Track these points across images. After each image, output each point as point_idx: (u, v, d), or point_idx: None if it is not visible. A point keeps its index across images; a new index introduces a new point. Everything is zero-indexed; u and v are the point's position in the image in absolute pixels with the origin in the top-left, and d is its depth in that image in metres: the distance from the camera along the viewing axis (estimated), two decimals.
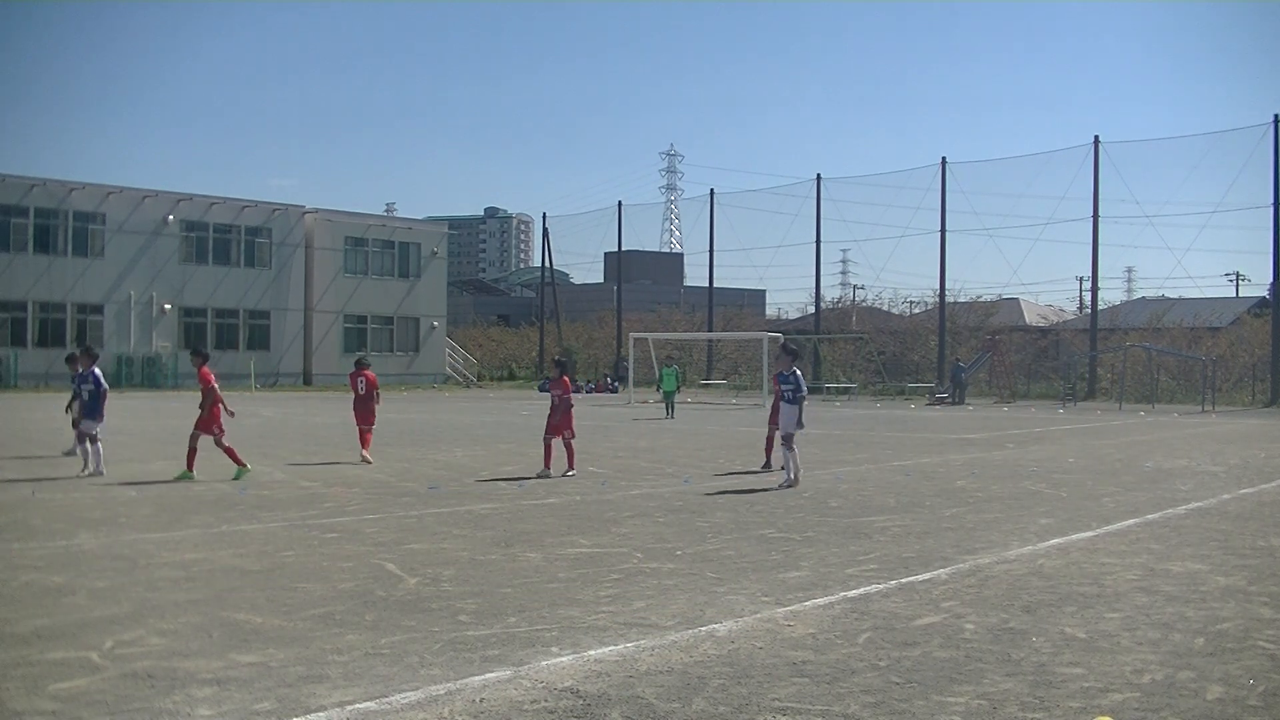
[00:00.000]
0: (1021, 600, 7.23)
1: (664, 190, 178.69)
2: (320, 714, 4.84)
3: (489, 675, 5.44)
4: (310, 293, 55.37)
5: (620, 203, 63.25)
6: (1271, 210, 41.99)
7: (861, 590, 7.53)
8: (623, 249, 66.41)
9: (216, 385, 14.49)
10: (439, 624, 6.48)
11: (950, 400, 43.04)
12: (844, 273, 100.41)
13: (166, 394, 44.80)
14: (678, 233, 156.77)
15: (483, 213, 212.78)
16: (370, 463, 16.47)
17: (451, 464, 16.71)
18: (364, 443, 17.23)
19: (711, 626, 6.47)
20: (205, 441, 14.43)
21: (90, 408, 14.58)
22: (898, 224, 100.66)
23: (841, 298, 75.64)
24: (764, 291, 78.10)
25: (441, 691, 5.16)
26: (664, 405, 32.01)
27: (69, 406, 16.68)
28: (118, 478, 14.02)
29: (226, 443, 14.30)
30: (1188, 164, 72.99)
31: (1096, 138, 46.65)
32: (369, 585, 7.60)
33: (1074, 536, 9.94)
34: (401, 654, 5.82)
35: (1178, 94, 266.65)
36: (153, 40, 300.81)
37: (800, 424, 14.19)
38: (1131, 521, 10.93)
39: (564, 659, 5.74)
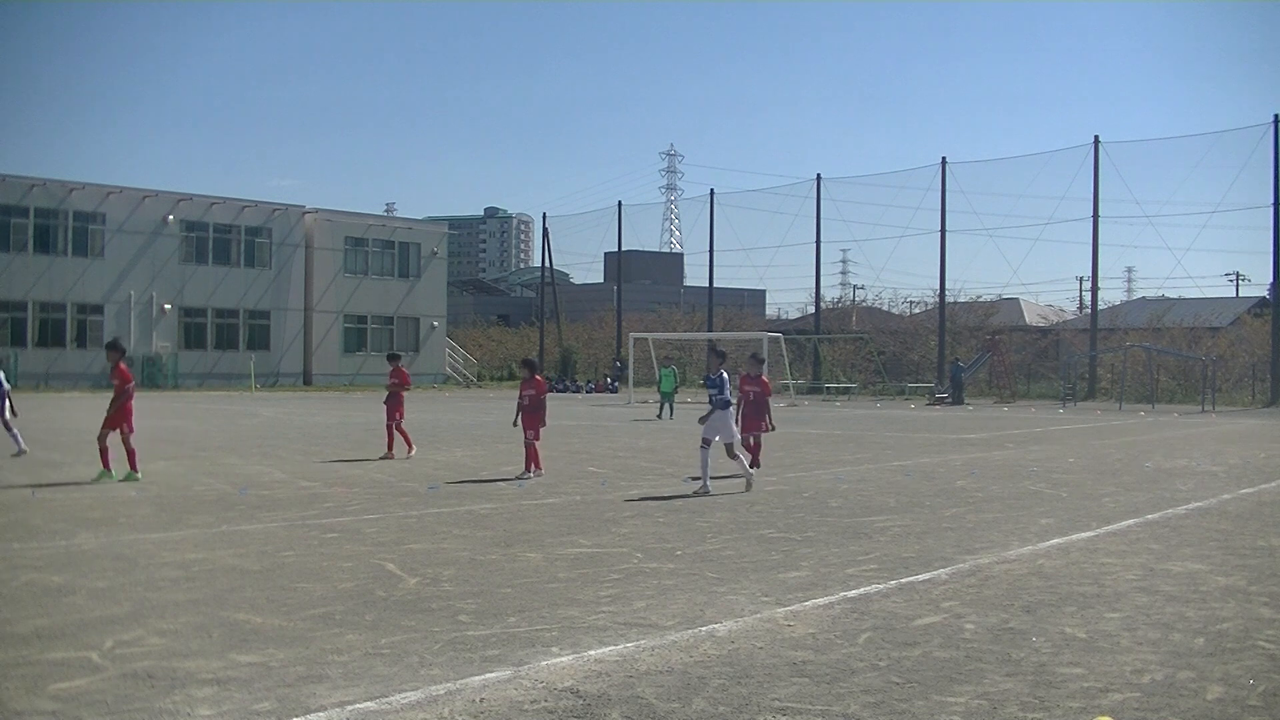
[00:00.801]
0: (1021, 600, 7.23)
1: (664, 190, 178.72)
2: (320, 714, 4.84)
3: (489, 675, 5.44)
4: (310, 293, 55.39)
5: (620, 203, 63.31)
6: (1271, 210, 42.02)
7: (861, 590, 7.53)
8: (623, 249, 66.40)
9: (133, 385, 14.14)
10: (439, 624, 6.48)
11: (950, 400, 43.04)
12: (844, 273, 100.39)
13: (167, 394, 44.81)
14: (678, 233, 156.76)
15: (483, 213, 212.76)
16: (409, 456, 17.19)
17: (451, 464, 16.71)
18: (406, 439, 17.72)
19: (711, 626, 6.47)
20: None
21: None
22: (898, 224, 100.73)
23: (841, 298, 75.79)
24: (764, 291, 78.19)
25: (441, 691, 5.16)
26: (659, 405, 31.71)
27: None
28: (118, 478, 14.01)
29: (133, 443, 13.87)
30: (1188, 164, 73.13)
31: (1096, 138, 46.72)
32: (369, 585, 7.60)
33: (1074, 536, 9.94)
34: (401, 654, 5.83)
35: (1178, 94, 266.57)
36: (153, 40, 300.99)
37: (734, 431, 13.55)
38: (1131, 521, 10.93)
39: (564, 659, 5.74)
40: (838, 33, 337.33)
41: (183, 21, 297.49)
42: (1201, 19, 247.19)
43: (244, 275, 52.99)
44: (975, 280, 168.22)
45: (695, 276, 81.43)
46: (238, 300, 52.71)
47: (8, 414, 17.47)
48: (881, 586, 7.66)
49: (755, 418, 15.48)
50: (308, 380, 54.83)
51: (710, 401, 13.47)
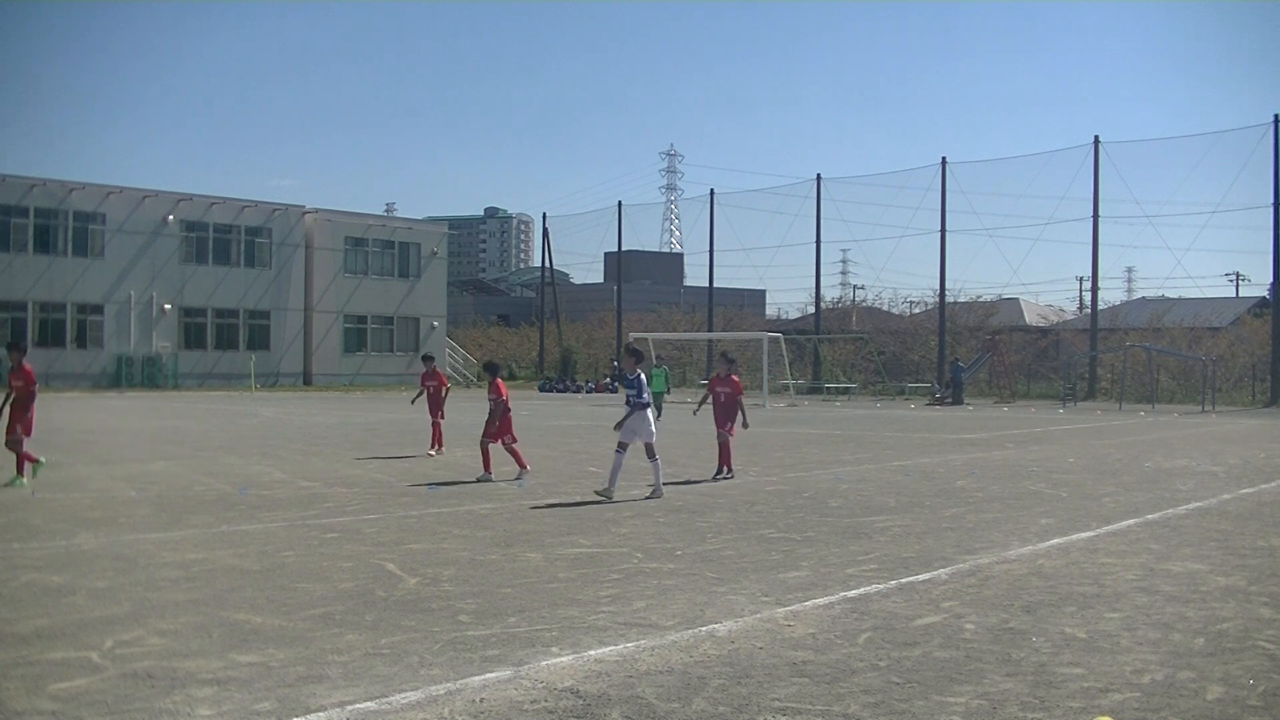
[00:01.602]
0: (1021, 600, 7.23)
1: (664, 190, 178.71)
2: (320, 714, 4.84)
3: (489, 675, 5.44)
4: (310, 293, 55.39)
5: (620, 203, 63.31)
6: (1271, 210, 42.01)
7: (861, 590, 7.53)
8: (623, 249, 66.40)
9: (36, 386, 13.86)
10: (439, 624, 6.48)
11: (950, 400, 43.04)
12: (844, 273, 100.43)
13: (167, 394, 44.80)
14: (678, 233, 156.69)
15: (483, 213, 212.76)
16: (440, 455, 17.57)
17: (451, 464, 16.71)
18: (439, 437, 18.11)
19: (711, 626, 6.47)
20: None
21: None
22: (898, 224, 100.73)
23: (841, 298, 75.77)
24: (764, 291, 78.12)
25: (441, 691, 5.16)
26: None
27: None
28: (118, 478, 14.02)
29: (28, 449, 13.40)
30: (1188, 164, 73.20)
31: (1096, 138, 46.70)
32: (369, 585, 7.60)
33: (1074, 536, 9.94)
34: (401, 654, 5.82)
35: (1178, 94, 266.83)
36: (153, 40, 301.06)
37: (651, 431, 12.79)
38: (1131, 521, 10.93)
39: (564, 659, 5.74)
40: (838, 33, 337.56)
41: (183, 21, 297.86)
42: (1201, 19, 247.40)
43: (244, 275, 52.98)
44: (975, 280, 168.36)
45: (695, 276, 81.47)
46: (238, 300, 52.70)
47: None
48: (881, 586, 7.66)
49: (725, 419, 15.07)
50: (308, 380, 54.82)
51: (627, 402, 12.93)
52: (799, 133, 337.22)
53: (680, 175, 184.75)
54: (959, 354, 49.40)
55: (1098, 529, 10.44)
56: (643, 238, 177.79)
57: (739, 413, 15.20)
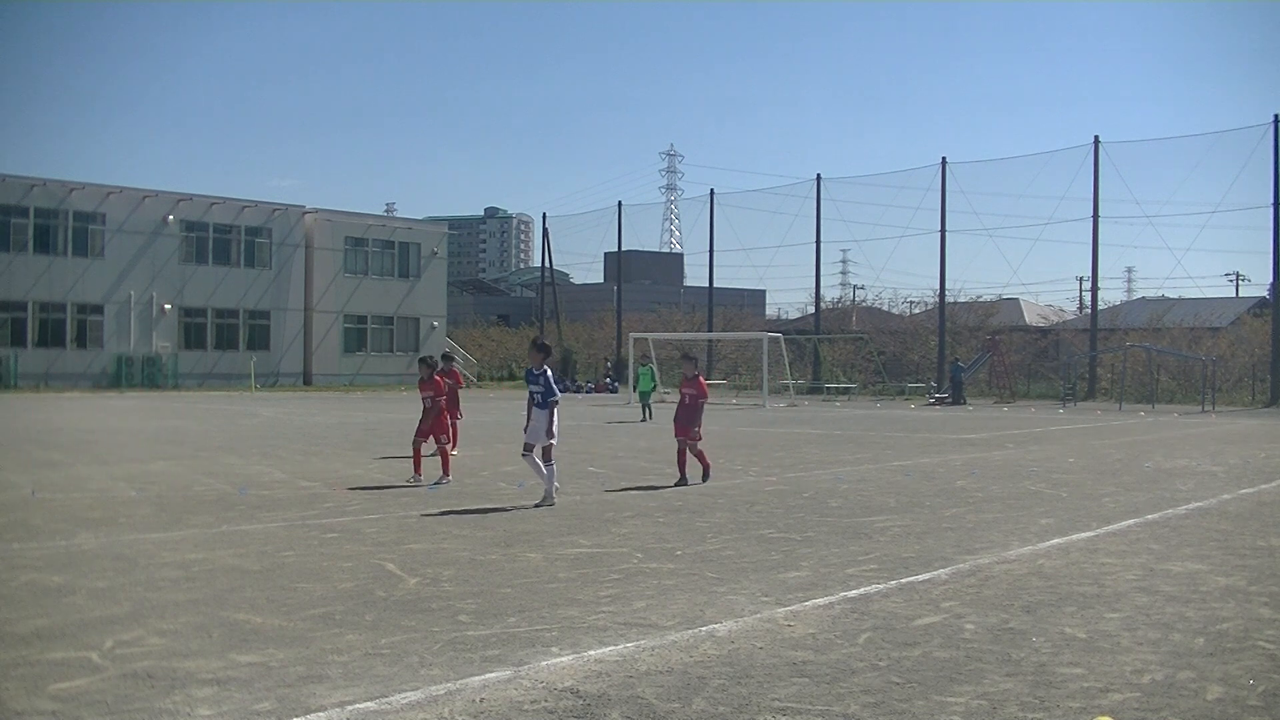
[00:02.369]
0: (1021, 600, 7.23)
1: (664, 190, 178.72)
2: (320, 714, 4.84)
3: (489, 675, 5.44)
4: (310, 293, 55.40)
5: (620, 203, 63.29)
6: (1271, 210, 42.02)
7: (861, 590, 7.53)
8: (623, 249, 66.40)
9: None
10: (439, 624, 6.48)
11: (950, 400, 43.05)
12: (844, 273, 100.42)
13: (167, 394, 44.81)
14: (678, 233, 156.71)
15: (483, 213, 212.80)
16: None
17: (451, 464, 16.68)
18: (454, 438, 17.54)
19: (711, 626, 6.47)
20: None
21: None
22: (898, 224, 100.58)
23: (841, 298, 75.75)
24: (764, 291, 78.10)
25: (441, 691, 5.16)
26: (640, 407, 30.67)
27: None
28: (118, 477, 14.02)
29: None
30: (1188, 164, 73.25)
31: (1096, 138, 46.72)
32: (369, 585, 7.60)
33: (1074, 536, 9.94)
34: (401, 654, 5.82)
35: (1178, 94, 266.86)
36: (153, 40, 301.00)
37: (552, 433, 11.76)
38: (1131, 521, 10.93)
39: (564, 659, 5.74)
40: (838, 33, 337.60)
41: (183, 21, 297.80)
42: (1201, 19, 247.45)
43: (244, 275, 52.99)
44: (975, 280, 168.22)
45: (695, 276, 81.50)
46: (238, 300, 52.71)
47: None
48: (881, 586, 7.66)
49: (687, 423, 14.06)
50: (308, 380, 54.82)
51: (534, 401, 11.89)
52: (799, 133, 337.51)
53: (680, 175, 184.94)
54: (959, 354, 49.40)
55: (1098, 529, 10.44)
56: (643, 238, 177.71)
57: (698, 418, 14.12)
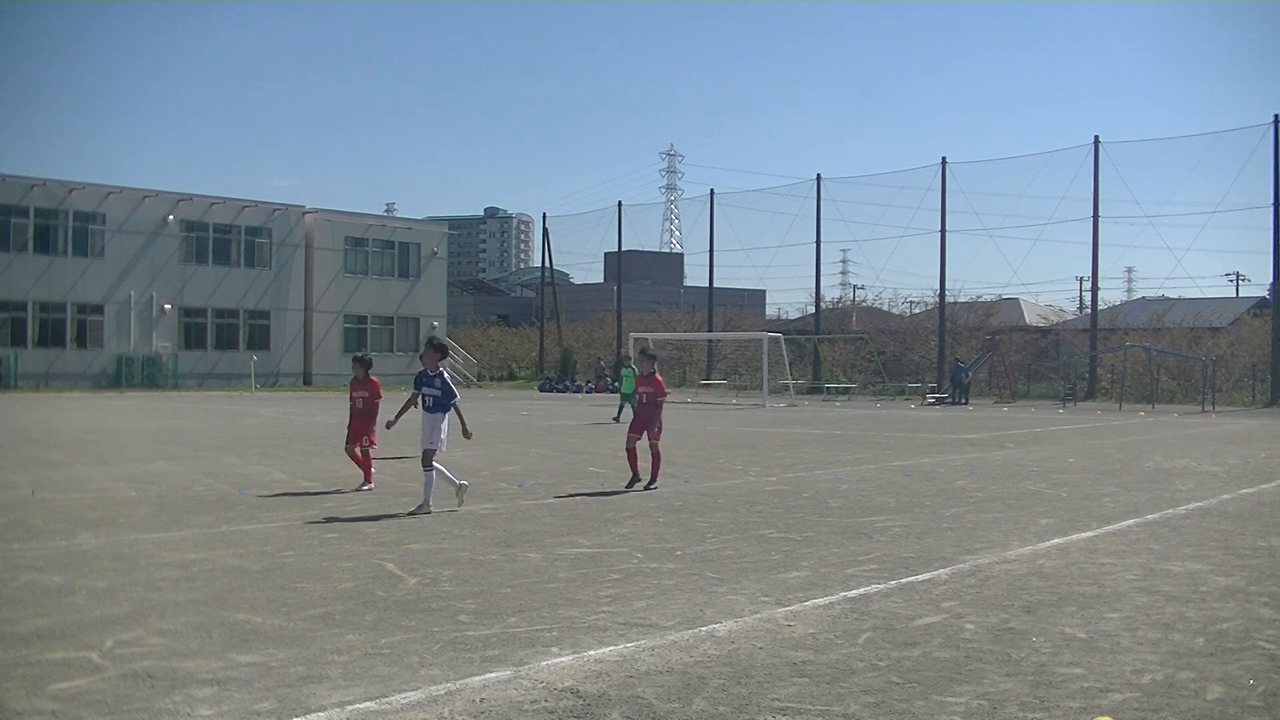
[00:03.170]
0: (1021, 600, 7.23)
1: (664, 190, 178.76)
2: (320, 714, 4.84)
3: (489, 675, 5.44)
4: (310, 293, 55.40)
5: (620, 203, 63.31)
6: (1271, 210, 42.02)
7: (861, 590, 7.52)
8: (623, 249, 66.40)
9: None
10: (439, 624, 6.48)
11: (950, 400, 43.04)
12: (844, 273, 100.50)
13: (167, 394, 44.81)
14: (678, 233, 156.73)
15: (483, 213, 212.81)
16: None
17: (451, 464, 16.65)
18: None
19: (711, 626, 6.47)
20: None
21: None
22: (898, 224, 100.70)
23: (841, 298, 75.74)
24: (764, 291, 78.10)
25: (441, 691, 5.16)
26: (618, 407, 30.00)
27: None
28: (118, 478, 14.02)
29: None
30: (1188, 164, 73.40)
31: (1096, 138, 46.69)
32: (369, 585, 7.60)
33: (1074, 536, 9.94)
34: (401, 654, 5.82)
35: (1178, 94, 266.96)
36: (153, 40, 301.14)
37: (441, 440, 11.31)
38: (1131, 521, 10.93)
39: (564, 659, 5.74)
40: (838, 33, 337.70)
41: (183, 21, 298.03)
42: (1201, 19, 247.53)
43: (244, 275, 52.99)
44: (975, 280, 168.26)
45: (695, 276, 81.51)
46: (238, 300, 52.71)
47: None
48: (881, 586, 7.66)
49: (646, 423, 13.49)
50: (308, 380, 54.82)
51: (425, 405, 11.50)
52: (799, 133, 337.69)
53: (680, 175, 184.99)
54: (959, 354, 49.40)
55: (1098, 529, 10.43)
56: (643, 238, 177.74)
57: (658, 418, 13.56)
